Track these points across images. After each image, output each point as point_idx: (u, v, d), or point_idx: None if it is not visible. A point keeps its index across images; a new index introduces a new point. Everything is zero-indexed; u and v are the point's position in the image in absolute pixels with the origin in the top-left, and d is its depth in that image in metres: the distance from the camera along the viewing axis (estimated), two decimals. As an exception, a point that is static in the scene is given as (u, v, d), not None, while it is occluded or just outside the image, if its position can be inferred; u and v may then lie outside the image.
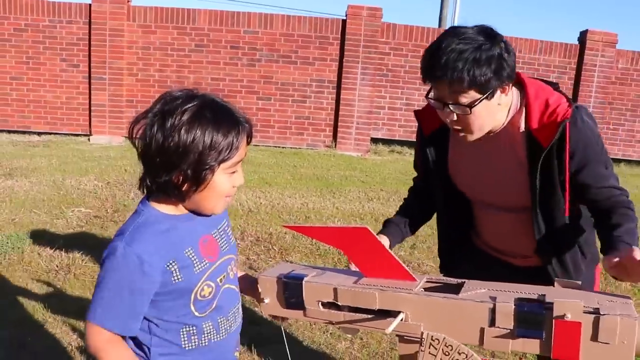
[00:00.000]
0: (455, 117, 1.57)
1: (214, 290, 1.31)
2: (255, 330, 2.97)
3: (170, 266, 1.22)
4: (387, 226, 1.92)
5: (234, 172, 1.26)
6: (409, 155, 9.02)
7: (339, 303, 1.36)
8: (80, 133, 8.82)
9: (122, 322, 1.22)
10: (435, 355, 1.17)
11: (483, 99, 1.52)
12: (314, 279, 1.39)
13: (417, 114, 1.88)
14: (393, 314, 1.29)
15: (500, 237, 1.86)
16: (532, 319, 1.15)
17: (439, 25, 17.22)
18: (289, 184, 6.56)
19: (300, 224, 5.03)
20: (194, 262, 1.26)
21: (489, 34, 1.54)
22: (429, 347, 1.18)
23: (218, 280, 1.32)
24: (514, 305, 1.16)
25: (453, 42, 1.49)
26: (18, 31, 8.51)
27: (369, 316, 1.33)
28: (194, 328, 1.30)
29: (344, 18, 8.63)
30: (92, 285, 3.34)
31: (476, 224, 1.92)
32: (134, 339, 1.30)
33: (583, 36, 9.09)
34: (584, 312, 1.11)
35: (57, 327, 2.93)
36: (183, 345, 1.30)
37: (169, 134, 1.17)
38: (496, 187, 1.75)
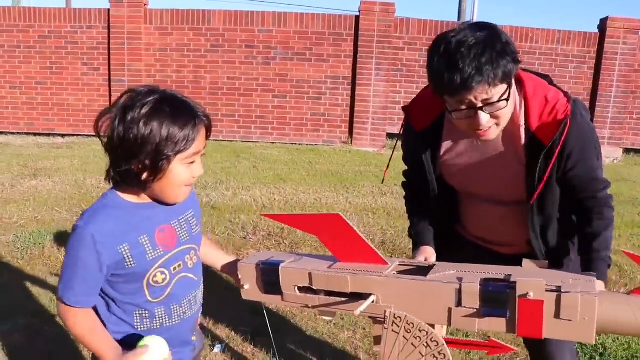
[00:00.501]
0: (488, 117, 1.53)
1: (167, 278, 1.39)
2: (259, 321, 3.06)
3: (122, 249, 1.31)
4: (422, 236, 1.89)
5: (192, 163, 1.33)
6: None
7: (314, 287, 1.42)
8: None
9: (76, 296, 1.32)
10: (398, 333, 1.23)
11: (509, 87, 1.52)
12: (291, 265, 1.45)
13: (407, 110, 1.84)
14: (365, 296, 1.34)
15: (489, 228, 1.88)
16: (497, 298, 1.19)
17: (458, 19, 17.09)
18: (303, 180, 6.64)
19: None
20: (147, 249, 1.35)
21: (481, 27, 1.52)
22: (392, 325, 1.24)
23: (172, 268, 1.40)
24: (479, 285, 1.20)
25: (461, 40, 1.46)
26: (42, 38, 8.77)
27: (343, 299, 1.39)
28: (147, 312, 1.39)
29: (357, 14, 8.67)
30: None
31: (463, 216, 1.93)
32: (97, 314, 1.39)
33: (603, 24, 8.95)
34: (547, 291, 1.15)
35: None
36: (136, 326, 1.40)
37: (129, 126, 1.26)
38: (492, 181, 1.75)
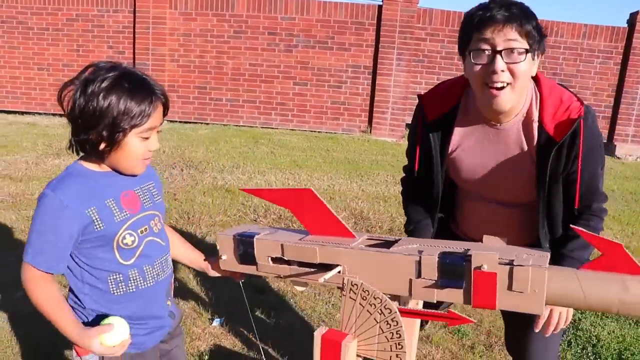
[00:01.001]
0: (504, 67, 1.54)
1: (136, 240, 1.46)
2: (259, 298, 3.14)
3: (91, 212, 1.38)
4: (419, 233, 1.91)
5: (147, 138, 1.40)
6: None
7: (285, 258, 1.48)
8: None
9: (47, 261, 1.37)
10: (355, 300, 1.28)
11: (531, 51, 1.55)
12: (265, 237, 1.51)
13: (423, 98, 1.83)
14: (333, 267, 1.40)
15: (484, 229, 1.84)
16: (454, 270, 1.22)
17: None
18: (319, 167, 6.69)
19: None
20: (114, 211, 1.42)
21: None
22: (350, 292, 1.29)
23: (139, 231, 1.47)
24: (437, 258, 1.24)
25: (498, 1, 1.55)
26: (70, 21, 8.94)
27: (312, 270, 1.45)
28: (121, 275, 1.45)
29: (380, 4, 8.66)
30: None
31: (458, 213, 1.94)
32: (71, 289, 1.46)
33: (633, 18, 8.75)
34: (500, 264, 1.18)
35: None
36: (112, 292, 1.45)
37: (89, 99, 1.33)
38: (500, 179, 1.75)
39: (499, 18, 1.51)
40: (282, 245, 1.46)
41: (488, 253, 1.18)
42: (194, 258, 1.73)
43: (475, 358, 2.73)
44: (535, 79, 1.69)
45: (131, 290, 1.47)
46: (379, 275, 1.31)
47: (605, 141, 9.18)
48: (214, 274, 1.70)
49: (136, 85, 1.37)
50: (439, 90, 1.82)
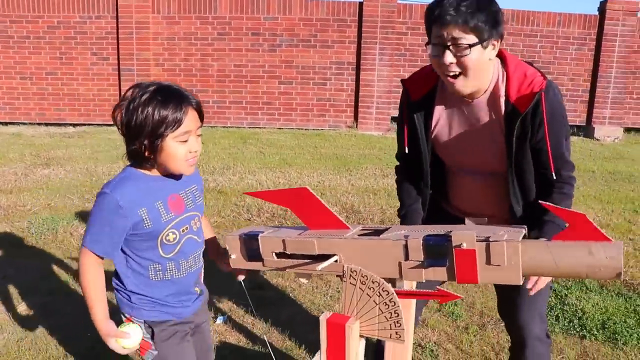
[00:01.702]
0: (454, 59, 1.71)
1: (177, 237, 1.67)
2: (259, 295, 3.27)
3: (142, 212, 1.59)
4: (410, 217, 2.05)
5: (185, 141, 1.58)
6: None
7: (287, 252, 1.61)
8: (112, 123, 9.22)
9: (104, 248, 1.60)
10: (355, 285, 1.41)
11: (479, 43, 1.70)
12: (269, 234, 1.64)
13: (405, 82, 2.01)
14: (330, 257, 1.53)
15: (473, 200, 2.04)
16: (437, 250, 1.35)
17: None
18: (308, 164, 6.82)
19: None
20: (162, 213, 1.63)
21: None
22: (349, 278, 1.42)
23: (181, 230, 1.68)
24: (422, 240, 1.37)
25: None
26: (51, 28, 8.97)
27: (312, 261, 1.58)
28: (159, 265, 1.68)
29: (361, 1, 8.79)
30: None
31: (449, 190, 2.09)
32: (116, 274, 1.69)
33: (603, 6, 9.01)
34: (477, 241, 1.30)
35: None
36: (150, 277, 1.68)
37: (132, 114, 1.54)
38: (476, 150, 1.93)
39: (446, 18, 1.68)
40: (283, 240, 1.59)
41: (466, 232, 1.31)
42: (211, 249, 1.91)
43: (470, 338, 2.88)
44: (502, 57, 1.86)
45: (167, 278, 1.70)
46: (372, 261, 1.44)
47: (583, 124, 9.40)
48: (225, 269, 1.84)
49: (168, 96, 1.56)
50: (419, 74, 2.01)
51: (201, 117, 1.64)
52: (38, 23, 8.95)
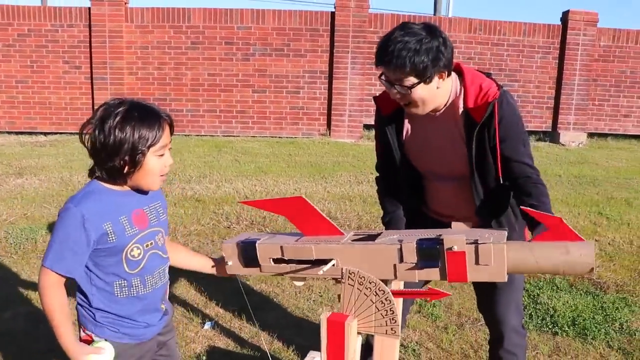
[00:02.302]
0: (399, 95, 1.90)
1: (142, 253, 1.69)
2: (243, 301, 3.34)
3: (106, 226, 1.59)
4: (394, 223, 2.19)
5: (162, 155, 1.63)
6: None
7: (285, 258, 1.70)
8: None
9: (67, 266, 1.57)
10: (353, 285, 1.52)
11: (420, 82, 1.86)
12: (266, 241, 1.73)
13: (376, 99, 2.16)
14: (327, 262, 1.63)
15: (446, 203, 2.19)
16: (430, 253, 1.47)
17: (434, 10, 17.41)
18: (283, 172, 6.92)
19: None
20: (126, 227, 1.64)
21: (430, 29, 1.86)
22: (348, 280, 1.53)
23: (145, 245, 1.70)
24: (416, 244, 1.48)
25: (400, 34, 1.83)
26: (22, 36, 8.90)
27: (309, 266, 1.68)
28: (125, 282, 1.68)
29: (333, 10, 8.95)
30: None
31: (426, 194, 2.24)
32: (80, 290, 1.67)
33: (565, 16, 9.36)
34: (467, 244, 1.43)
35: (69, 304, 3.32)
36: (116, 294, 1.68)
37: (108, 133, 1.55)
38: (443, 158, 2.08)
39: (388, 63, 1.83)
40: (281, 247, 1.69)
41: (457, 236, 1.44)
42: (203, 264, 1.96)
43: (449, 337, 3.01)
44: (459, 71, 2.01)
45: (132, 295, 1.70)
46: (368, 264, 1.55)
47: (549, 130, 9.72)
48: (221, 274, 1.91)
49: (144, 113, 1.61)
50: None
51: (172, 130, 1.69)
52: (7, 31, 8.87)
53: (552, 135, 9.71)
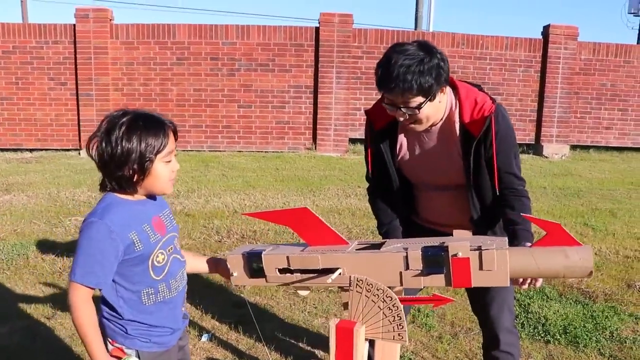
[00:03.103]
0: (407, 117, 1.92)
1: (166, 257, 1.72)
2: (240, 312, 3.36)
3: (132, 235, 1.62)
4: (392, 233, 2.22)
5: (169, 161, 1.66)
6: (387, 152, 9.44)
7: (291, 268, 1.73)
8: (70, 148, 9.18)
9: (97, 279, 1.59)
10: (361, 293, 1.56)
11: (427, 101, 1.90)
12: (271, 252, 1.76)
13: (368, 113, 2.17)
14: (333, 271, 1.66)
15: (439, 212, 2.24)
16: (435, 260, 1.51)
17: (415, 26, 17.66)
18: (271, 186, 6.95)
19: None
20: (150, 234, 1.68)
21: (427, 48, 1.90)
22: (356, 287, 1.57)
23: (167, 250, 1.74)
24: (421, 251, 1.53)
25: (400, 58, 1.84)
26: (7, 54, 8.87)
27: (315, 275, 1.71)
28: (152, 289, 1.71)
29: (317, 26, 9.05)
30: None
31: (417, 205, 2.28)
32: (106, 303, 1.69)
33: (546, 30, 9.56)
34: (471, 250, 1.48)
35: (64, 318, 3.30)
36: (144, 303, 1.70)
37: (115, 144, 1.59)
38: (438, 169, 2.13)
39: (391, 87, 1.84)
40: (287, 257, 1.72)
41: (461, 243, 1.49)
42: (205, 266, 1.99)
43: (444, 346, 3.05)
44: (454, 86, 2.07)
45: (160, 300, 1.73)
46: (374, 272, 1.59)
47: (533, 142, 9.88)
48: (222, 275, 1.96)
49: (149, 121, 1.64)
50: (380, 104, 2.15)
51: (176, 137, 1.73)
52: (-8, 48, 8.84)
53: (535, 148, 9.87)
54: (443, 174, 2.13)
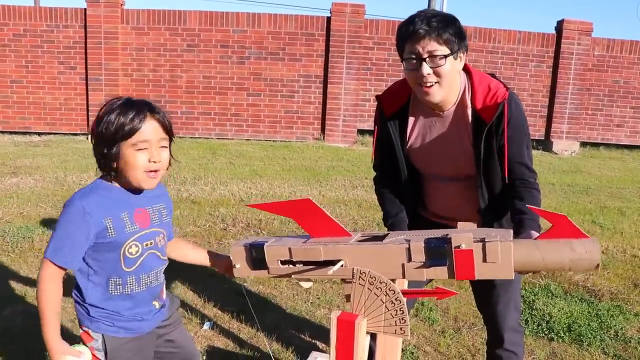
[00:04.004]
0: (430, 70, 1.86)
1: (140, 251, 1.70)
2: (242, 301, 3.35)
3: (106, 221, 1.61)
4: (397, 225, 2.16)
5: (142, 149, 1.62)
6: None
7: (293, 260, 1.71)
8: (78, 132, 9.19)
9: (65, 258, 1.59)
10: (364, 285, 1.54)
11: (451, 54, 1.87)
12: (274, 243, 1.74)
13: (380, 98, 2.14)
14: (335, 262, 1.64)
15: (447, 205, 2.19)
16: (438, 252, 1.48)
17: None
18: (278, 175, 6.93)
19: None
20: (126, 223, 1.66)
21: (447, 14, 1.91)
22: (359, 280, 1.54)
23: (144, 244, 1.71)
24: (424, 243, 1.50)
25: (426, 12, 1.88)
26: (17, 36, 8.87)
27: (318, 267, 1.69)
28: (120, 279, 1.69)
29: (329, 15, 8.99)
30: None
31: (425, 196, 2.24)
32: (77, 286, 1.69)
33: (560, 25, 9.45)
34: (474, 242, 1.44)
35: (66, 302, 3.28)
36: (110, 291, 1.69)
37: (98, 124, 1.61)
38: (447, 158, 2.08)
39: (420, 32, 1.83)
40: (289, 249, 1.70)
41: (464, 234, 1.46)
42: (204, 258, 1.97)
43: (447, 341, 3.03)
44: (467, 71, 2.03)
45: (126, 292, 1.71)
46: (376, 264, 1.57)
47: (542, 138, 9.80)
48: (220, 271, 1.95)
49: (129, 106, 1.62)
50: (392, 89, 2.15)
51: (166, 130, 1.68)
52: (3, 31, 8.85)
53: (545, 144, 9.80)
54: (453, 162, 2.08)
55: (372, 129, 2.25)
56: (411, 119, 2.10)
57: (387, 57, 9.17)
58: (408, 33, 1.87)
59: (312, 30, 9.04)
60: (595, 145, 10.12)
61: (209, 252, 1.97)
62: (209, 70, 9.05)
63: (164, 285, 1.87)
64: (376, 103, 2.20)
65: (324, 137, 9.26)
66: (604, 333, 3.15)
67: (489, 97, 1.96)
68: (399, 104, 2.06)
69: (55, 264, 1.58)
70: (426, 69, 1.88)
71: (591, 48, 9.54)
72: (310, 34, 9.04)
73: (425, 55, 1.86)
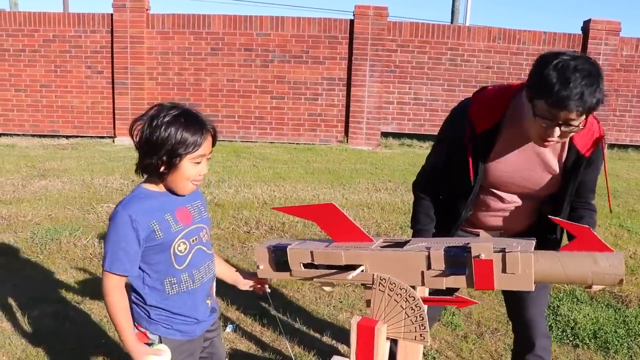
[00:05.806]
0: (559, 133, 1.77)
1: (188, 247, 1.76)
2: (264, 306, 3.38)
3: (153, 225, 1.68)
4: (423, 233, 2.16)
5: (198, 163, 1.69)
6: (419, 147, 9.35)
7: (315, 263, 1.73)
8: (105, 135, 9.35)
9: (123, 265, 1.67)
10: (384, 292, 1.54)
11: (586, 118, 1.75)
12: (296, 246, 1.76)
13: (471, 114, 2.00)
14: (356, 267, 1.66)
15: (501, 219, 2.14)
16: (457, 261, 1.48)
17: (452, 19, 17.41)
18: (302, 178, 6.95)
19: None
20: (171, 224, 1.72)
21: (590, 61, 1.74)
22: (379, 285, 1.55)
23: (191, 240, 1.78)
24: (443, 251, 1.50)
25: (579, 73, 1.67)
26: (47, 42, 9.07)
27: (339, 271, 1.70)
28: (174, 278, 1.76)
29: (352, 18, 8.99)
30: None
31: (477, 210, 2.16)
32: (134, 289, 1.76)
33: (586, 25, 9.31)
34: (494, 252, 1.44)
35: (94, 303, 3.37)
36: (166, 292, 1.76)
37: (154, 130, 1.64)
38: (529, 180, 2.04)
39: (570, 107, 1.68)
40: (311, 252, 1.72)
41: (484, 244, 1.46)
42: (230, 275, 2.05)
43: (469, 346, 3.02)
44: None
45: (182, 290, 1.77)
46: (396, 270, 1.57)
47: (569, 141, 9.65)
48: (244, 287, 2.01)
49: (191, 120, 1.67)
50: (485, 101, 2.02)
51: (214, 142, 1.75)
52: (34, 37, 9.05)
53: (571, 146, 9.65)
54: (533, 185, 2.05)
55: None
56: (502, 141, 2.00)
57: (411, 60, 9.14)
58: (557, 103, 1.70)
59: (335, 33, 9.05)
60: (624, 147, 9.94)
61: (240, 274, 2.04)
62: (233, 73, 9.13)
63: (214, 281, 1.94)
64: (454, 113, 2.10)
65: (347, 139, 9.26)
66: (631, 340, 3.10)
67: (586, 131, 1.90)
68: (491, 121, 1.97)
69: (115, 274, 1.67)
70: (557, 132, 1.79)
71: (619, 48, 9.37)
72: (333, 36, 9.06)
73: (562, 122, 1.76)
